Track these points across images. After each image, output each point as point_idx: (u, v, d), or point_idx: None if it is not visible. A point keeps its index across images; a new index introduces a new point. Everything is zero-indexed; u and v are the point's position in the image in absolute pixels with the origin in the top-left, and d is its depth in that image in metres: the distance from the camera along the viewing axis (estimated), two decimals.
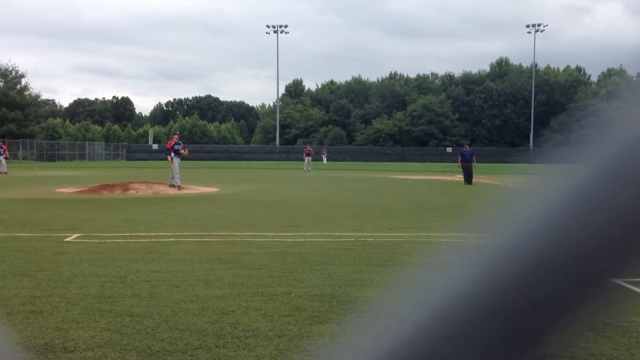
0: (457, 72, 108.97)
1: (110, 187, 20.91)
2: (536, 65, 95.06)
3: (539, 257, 0.46)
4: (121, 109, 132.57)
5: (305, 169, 43.83)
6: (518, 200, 0.49)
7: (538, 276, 0.46)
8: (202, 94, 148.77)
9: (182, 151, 22.15)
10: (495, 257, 0.47)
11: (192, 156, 21.84)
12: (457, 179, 30.43)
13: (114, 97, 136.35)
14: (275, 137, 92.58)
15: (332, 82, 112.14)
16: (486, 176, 32.20)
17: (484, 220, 0.49)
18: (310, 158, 45.02)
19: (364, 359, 0.51)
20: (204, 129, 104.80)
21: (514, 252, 0.47)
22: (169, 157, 22.01)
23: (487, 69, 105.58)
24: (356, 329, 0.55)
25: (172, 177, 21.58)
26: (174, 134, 23.68)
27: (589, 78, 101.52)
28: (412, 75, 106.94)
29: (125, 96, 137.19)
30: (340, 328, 5.07)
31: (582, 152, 0.47)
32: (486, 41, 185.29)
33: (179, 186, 21.09)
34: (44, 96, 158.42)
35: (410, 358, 0.49)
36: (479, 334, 0.47)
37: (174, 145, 22.13)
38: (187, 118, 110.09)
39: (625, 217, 0.44)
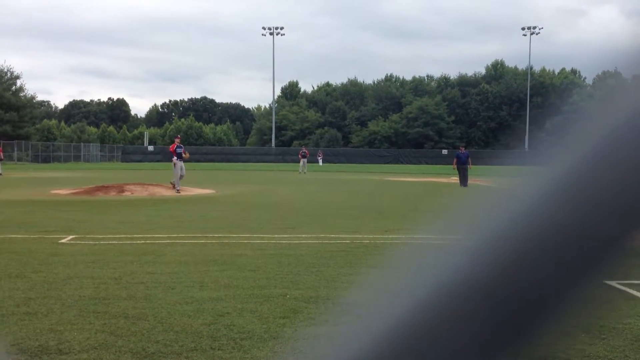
0: (453, 74, 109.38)
1: (106, 188, 20.89)
2: (532, 68, 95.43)
3: (520, 249, 0.46)
4: (117, 110, 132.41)
5: (300, 170, 43.80)
6: (501, 197, 0.49)
7: (520, 268, 0.46)
8: (198, 96, 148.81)
9: (184, 154, 22.39)
10: (477, 250, 0.47)
11: (188, 158, 21.98)
12: (452, 181, 30.47)
13: (109, 98, 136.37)
14: (271, 139, 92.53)
15: (328, 84, 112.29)
16: (481, 178, 32.22)
17: (470, 220, 0.49)
18: (305, 160, 44.98)
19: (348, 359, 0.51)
20: (200, 130, 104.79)
21: (495, 245, 0.47)
22: (173, 159, 22.28)
23: (483, 71, 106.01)
24: (348, 330, 0.55)
25: (174, 180, 21.84)
26: (175, 137, 23.82)
27: (584, 80, 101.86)
28: (408, 78, 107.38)
29: (121, 98, 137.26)
30: (336, 330, 5.06)
31: (562, 146, 0.47)
32: (482, 43, 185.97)
33: (178, 190, 21.24)
34: (39, 98, 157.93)
35: (392, 354, 0.49)
36: (462, 325, 0.47)
37: (176, 148, 22.42)
38: (182, 120, 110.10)
39: (606, 209, 0.44)
